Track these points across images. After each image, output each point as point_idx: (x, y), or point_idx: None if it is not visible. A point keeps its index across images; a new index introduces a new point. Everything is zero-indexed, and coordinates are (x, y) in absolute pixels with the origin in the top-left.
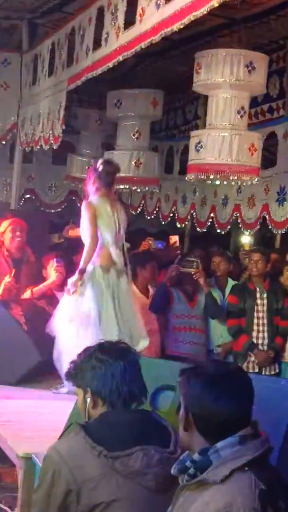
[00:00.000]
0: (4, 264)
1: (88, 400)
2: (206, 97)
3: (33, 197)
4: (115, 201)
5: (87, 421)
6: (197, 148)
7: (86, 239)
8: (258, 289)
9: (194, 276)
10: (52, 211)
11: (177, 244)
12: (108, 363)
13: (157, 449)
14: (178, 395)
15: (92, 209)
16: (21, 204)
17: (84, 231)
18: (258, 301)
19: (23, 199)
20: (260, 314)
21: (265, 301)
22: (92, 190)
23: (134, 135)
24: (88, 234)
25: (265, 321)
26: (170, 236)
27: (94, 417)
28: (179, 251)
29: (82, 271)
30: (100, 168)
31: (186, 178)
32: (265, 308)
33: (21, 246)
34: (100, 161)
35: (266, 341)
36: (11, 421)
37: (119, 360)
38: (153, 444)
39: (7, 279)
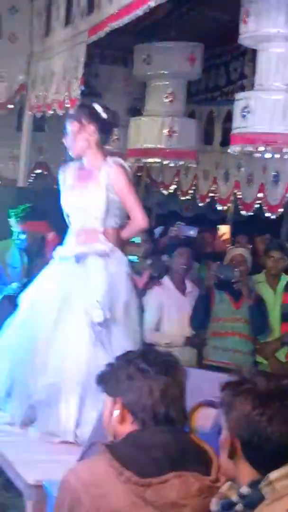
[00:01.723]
0: None
1: (116, 413)
2: (254, 52)
3: (45, 173)
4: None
5: (112, 441)
6: (244, 113)
7: (134, 211)
8: None
9: (234, 286)
10: None
11: (227, 236)
12: (148, 376)
13: (196, 476)
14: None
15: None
16: (30, 180)
17: (128, 202)
18: None
19: (33, 175)
20: None
21: None
22: (84, 145)
23: (166, 98)
24: (138, 205)
25: None
26: (219, 227)
27: (121, 434)
28: (228, 245)
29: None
30: (104, 115)
31: (229, 151)
32: None
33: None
34: (97, 106)
35: None
36: (18, 441)
37: (162, 374)
38: (191, 471)
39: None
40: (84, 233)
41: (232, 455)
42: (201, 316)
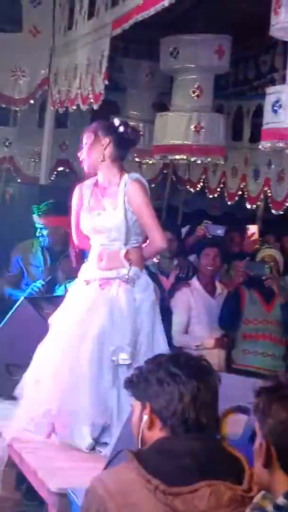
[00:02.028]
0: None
1: (145, 418)
2: (286, 44)
3: (67, 170)
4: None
5: (140, 448)
6: (275, 108)
7: (153, 231)
8: None
9: (265, 283)
10: None
11: (256, 237)
12: (180, 380)
13: (228, 485)
14: (252, 420)
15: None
16: (52, 178)
17: (146, 221)
18: None
19: (55, 172)
20: None
21: None
22: (98, 158)
23: (194, 92)
24: (157, 224)
25: None
26: (248, 226)
27: (149, 440)
28: (257, 246)
29: None
30: (121, 128)
31: (259, 147)
32: None
33: (54, 243)
34: (115, 120)
35: None
36: (41, 448)
37: (193, 379)
38: (223, 479)
39: (37, 284)
40: (106, 257)
41: (267, 464)
42: (229, 316)
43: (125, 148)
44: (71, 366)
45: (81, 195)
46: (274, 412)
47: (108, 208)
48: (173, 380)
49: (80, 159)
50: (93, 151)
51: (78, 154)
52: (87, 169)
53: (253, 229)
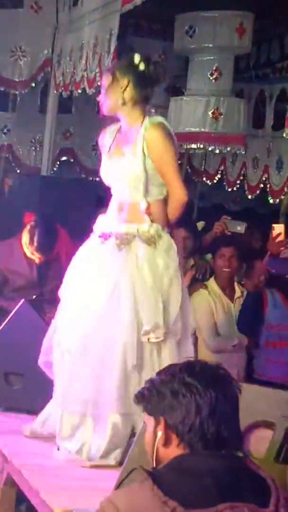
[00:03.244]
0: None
1: (159, 434)
2: None
3: (72, 160)
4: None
5: (155, 466)
6: None
7: (173, 182)
8: None
9: None
10: (97, 179)
11: (282, 237)
12: (196, 391)
13: (252, 508)
14: (279, 435)
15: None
16: (55, 169)
17: (166, 171)
18: None
19: (58, 162)
20: None
21: None
22: (117, 102)
23: (212, 74)
24: (178, 176)
25: None
26: (273, 226)
27: (164, 458)
28: (283, 248)
29: None
30: (142, 66)
31: (283, 135)
32: None
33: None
34: (136, 56)
35: None
36: (44, 465)
37: (211, 389)
38: (246, 501)
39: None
40: (126, 208)
41: None
42: (249, 320)
43: (147, 88)
44: (104, 346)
45: (103, 141)
46: None
47: (127, 155)
48: (189, 391)
49: (100, 104)
50: (112, 94)
51: (98, 98)
52: (106, 114)
53: (278, 228)
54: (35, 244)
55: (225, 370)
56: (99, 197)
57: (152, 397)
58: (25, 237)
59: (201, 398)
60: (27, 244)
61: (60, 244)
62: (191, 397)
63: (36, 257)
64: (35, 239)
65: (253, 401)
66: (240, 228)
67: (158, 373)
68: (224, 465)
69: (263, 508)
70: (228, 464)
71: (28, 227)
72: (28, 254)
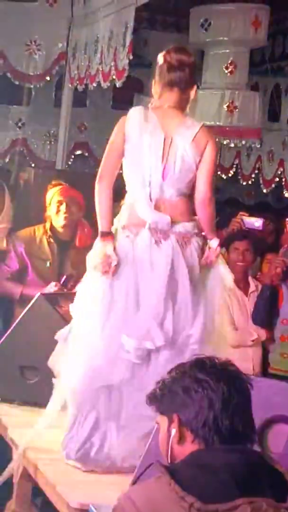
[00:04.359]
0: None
1: (173, 432)
2: None
3: (86, 154)
4: (180, 118)
5: (171, 462)
6: None
7: None
8: None
9: None
10: None
11: None
12: (208, 386)
13: (270, 502)
14: None
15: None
16: (70, 163)
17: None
18: None
19: (73, 156)
20: None
21: None
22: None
23: (227, 68)
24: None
25: None
26: (287, 220)
27: (179, 456)
28: None
29: None
30: (161, 59)
31: None
32: None
33: (69, 224)
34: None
35: None
36: (60, 459)
37: (223, 383)
38: (264, 496)
39: (51, 287)
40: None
41: None
42: (264, 314)
43: (167, 76)
44: None
45: None
46: None
47: None
48: (200, 386)
49: None
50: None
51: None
52: None
53: None
54: (63, 212)
55: (234, 365)
56: (113, 191)
57: (164, 396)
58: (51, 208)
59: (213, 393)
60: (53, 215)
61: (80, 233)
62: (203, 392)
63: (59, 227)
64: (62, 208)
65: (270, 395)
66: (258, 224)
67: (169, 372)
68: (241, 459)
69: (281, 502)
70: (245, 458)
71: (56, 199)
72: (54, 223)
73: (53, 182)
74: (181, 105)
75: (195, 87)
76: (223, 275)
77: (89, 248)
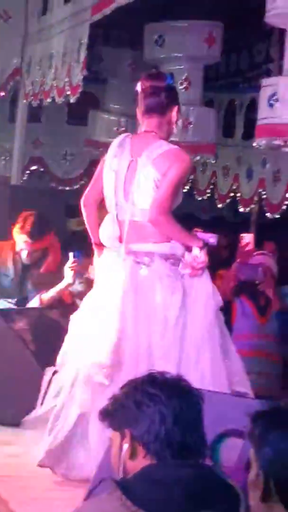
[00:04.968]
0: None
1: (125, 447)
2: (282, 32)
3: (42, 169)
4: (151, 141)
5: (124, 477)
6: (271, 102)
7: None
8: None
9: (259, 287)
10: (67, 188)
11: (251, 247)
12: (159, 401)
13: None
14: (248, 445)
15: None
16: (24, 178)
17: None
18: None
19: (28, 171)
20: None
21: None
22: None
23: (181, 84)
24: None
25: None
26: (241, 235)
27: (132, 471)
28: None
29: None
30: (138, 87)
31: (253, 144)
32: None
33: (32, 260)
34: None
35: None
36: (12, 476)
37: (174, 398)
38: (215, 509)
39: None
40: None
41: (265, 498)
42: None
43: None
44: None
45: None
46: (273, 440)
47: None
48: (152, 401)
49: None
50: None
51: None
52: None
53: (247, 238)
54: (27, 227)
55: (186, 380)
56: (69, 207)
57: (116, 411)
58: (18, 225)
59: (165, 407)
60: (18, 230)
61: (49, 260)
62: (155, 407)
63: (23, 244)
64: (28, 223)
65: (223, 410)
66: (213, 240)
67: (121, 388)
68: (192, 474)
69: None
70: (196, 473)
71: (23, 215)
72: (17, 240)
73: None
74: (162, 130)
75: (175, 108)
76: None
77: (56, 273)
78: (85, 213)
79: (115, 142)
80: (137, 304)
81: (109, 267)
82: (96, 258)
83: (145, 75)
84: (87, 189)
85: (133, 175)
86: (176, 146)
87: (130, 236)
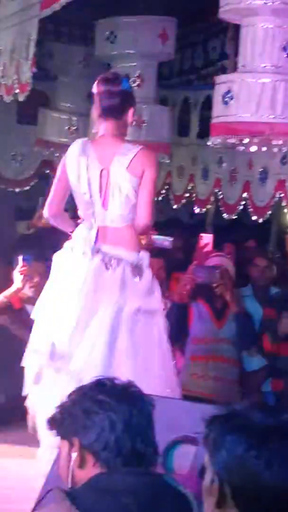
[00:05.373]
0: None
1: (74, 456)
2: (237, 28)
3: None
4: (117, 146)
5: (72, 487)
6: (226, 100)
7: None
8: None
9: (216, 290)
10: (17, 190)
11: (210, 247)
12: (108, 407)
13: None
14: (201, 452)
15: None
16: None
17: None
18: None
19: None
20: None
21: None
22: None
23: (134, 81)
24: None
25: None
26: (201, 235)
27: (81, 480)
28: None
29: None
30: (94, 89)
31: (208, 143)
32: None
33: None
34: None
35: None
36: None
37: (124, 404)
38: None
39: None
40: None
41: (220, 504)
42: (173, 331)
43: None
44: None
45: None
46: (228, 445)
47: None
48: (101, 408)
49: None
50: None
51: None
52: None
53: (207, 238)
54: None
55: (136, 386)
56: (17, 207)
57: (64, 419)
58: None
59: (115, 414)
60: None
61: None
62: (104, 414)
63: None
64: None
65: (176, 416)
66: (167, 243)
67: (69, 395)
68: (143, 483)
69: None
70: (147, 481)
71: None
72: None
73: None
74: (119, 132)
75: (131, 110)
76: None
77: None
78: (55, 223)
79: (75, 150)
80: (96, 303)
81: (74, 263)
82: (56, 254)
83: (101, 78)
84: (49, 199)
85: (107, 183)
86: (141, 146)
87: (102, 238)
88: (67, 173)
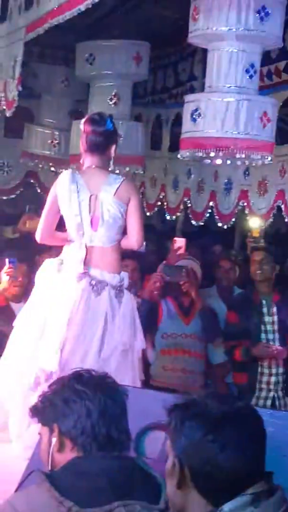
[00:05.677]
0: None
1: (54, 441)
2: (205, 52)
3: None
4: (103, 177)
5: (51, 469)
6: (194, 117)
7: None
8: (264, 302)
9: (182, 288)
10: (4, 197)
11: (183, 250)
12: (85, 396)
13: (143, 505)
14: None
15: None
16: None
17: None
18: (266, 318)
19: None
20: (270, 336)
21: (275, 318)
22: None
23: (111, 100)
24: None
25: (277, 346)
26: (175, 239)
27: (59, 463)
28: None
29: None
30: (81, 127)
31: (178, 156)
32: (276, 327)
33: None
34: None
35: (280, 371)
36: None
37: (100, 394)
38: (138, 499)
39: None
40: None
41: (181, 485)
42: (144, 327)
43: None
44: None
45: None
46: (187, 430)
47: None
48: (79, 397)
49: None
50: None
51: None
52: None
53: (180, 242)
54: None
55: (111, 377)
56: (4, 213)
57: (45, 408)
58: None
59: (91, 403)
60: None
61: None
62: (81, 402)
63: None
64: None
65: (148, 405)
66: (142, 248)
67: (50, 386)
68: (116, 466)
69: (154, 505)
70: (120, 464)
71: None
72: None
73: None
74: (103, 164)
75: (113, 147)
76: None
77: None
78: (49, 243)
79: (66, 179)
80: (83, 324)
81: (63, 283)
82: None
83: (88, 118)
84: (41, 225)
85: (96, 207)
86: (124, 177)
87: (90, 259)
88: (57, 201)
